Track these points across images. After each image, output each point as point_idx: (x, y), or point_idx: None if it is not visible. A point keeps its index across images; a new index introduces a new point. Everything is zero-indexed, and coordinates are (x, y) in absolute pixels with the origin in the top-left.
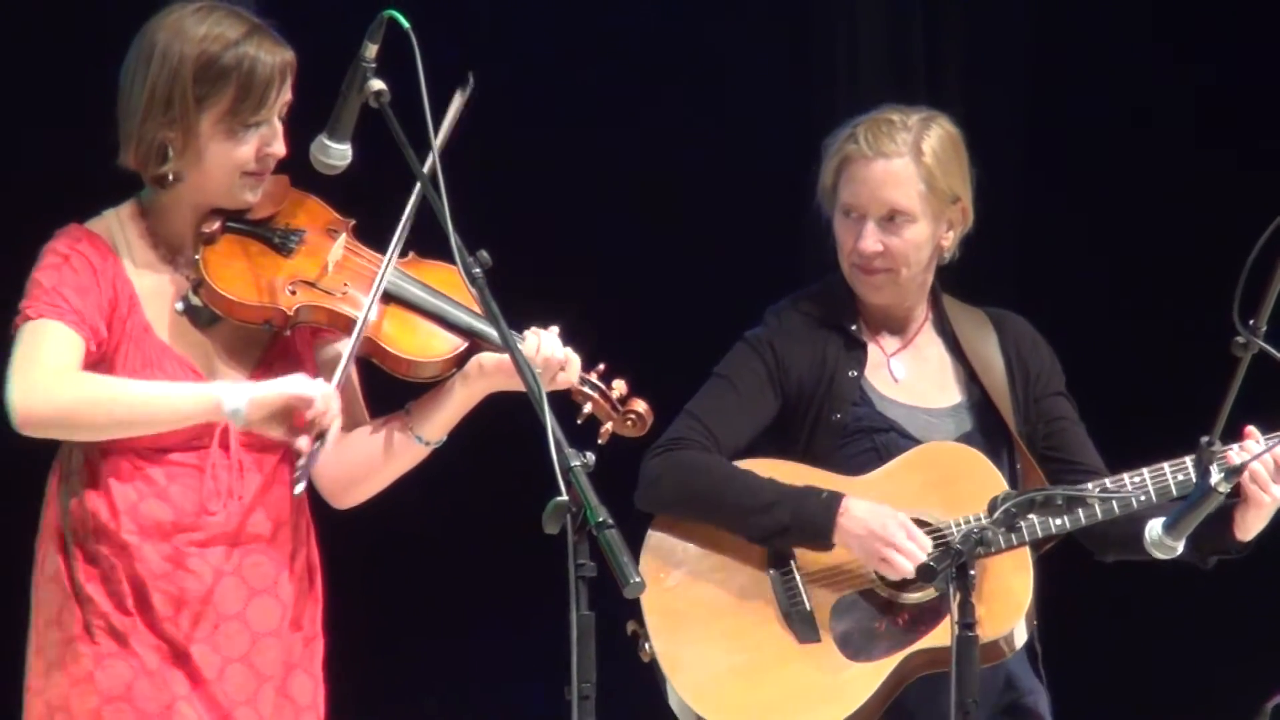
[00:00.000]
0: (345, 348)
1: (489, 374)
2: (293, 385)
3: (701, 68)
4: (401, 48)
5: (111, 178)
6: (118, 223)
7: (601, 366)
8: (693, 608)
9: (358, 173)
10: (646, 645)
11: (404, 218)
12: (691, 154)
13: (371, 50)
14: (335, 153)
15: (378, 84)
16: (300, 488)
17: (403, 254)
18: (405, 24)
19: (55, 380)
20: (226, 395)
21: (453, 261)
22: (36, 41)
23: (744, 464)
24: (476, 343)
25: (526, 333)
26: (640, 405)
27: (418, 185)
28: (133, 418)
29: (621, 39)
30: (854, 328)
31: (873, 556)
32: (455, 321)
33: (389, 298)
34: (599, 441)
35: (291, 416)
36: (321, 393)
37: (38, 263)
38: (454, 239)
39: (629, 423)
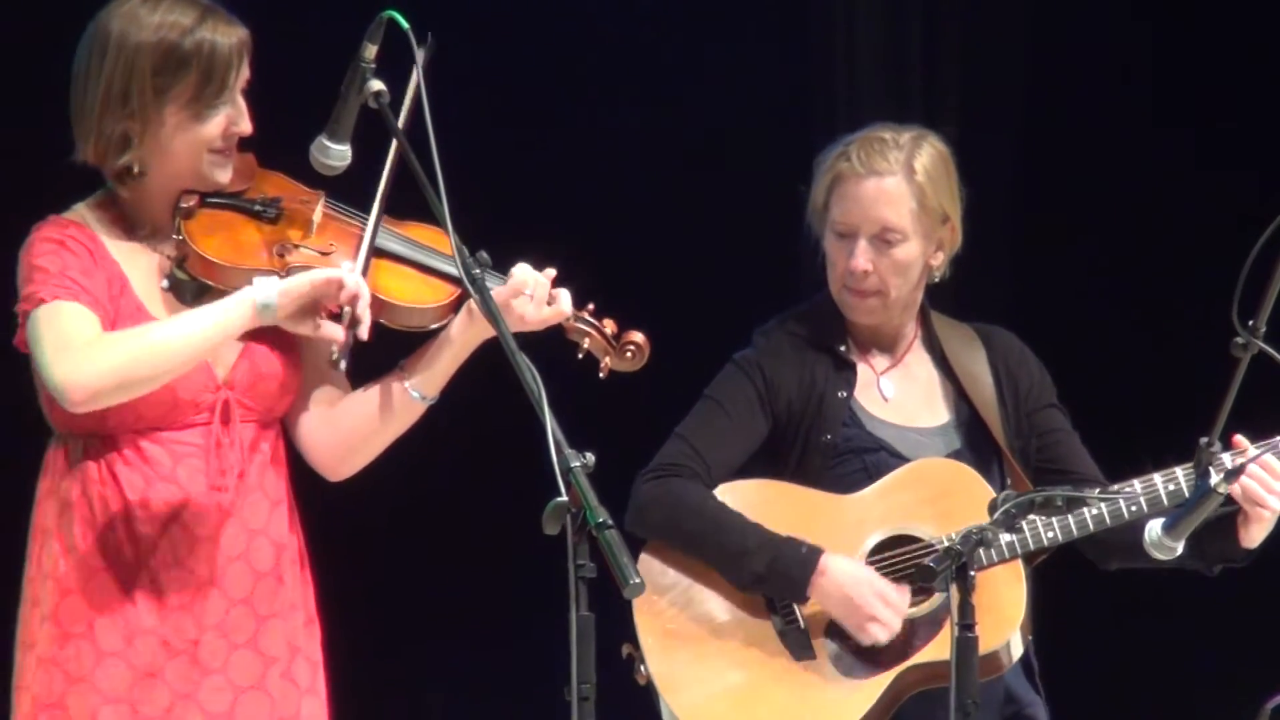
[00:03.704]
0: (364, 237)
1: (482, 319)
2: (321, 271)
3: (700, 73)
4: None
5: (76, 174)
6: (89, 213)
7: (591, 305)
8: (688, 629)
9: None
10: (642, 667)
11: (384, 175)
12: (688, 162)
13: (371, 51)
14: (335, 153)
15: (377, 84)
16: (344, 363)
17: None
18: (405, 24)
19: (95, 350)
20: (255, 294)
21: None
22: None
23: (735, 485)
24: (468, 290)
25: (513, 269)
26: (637, 336)
27: (392, 148)
28: (184, 354)
29: (619, 43)
30: (842, 348)
31: (849, 622)
32: (445, 271)
33: (379, 251)
34: (600, 376)
35: (320, 309)
36: (351, 273)
37: (29, 252)
38: (453, 238)
39: (628, 354)
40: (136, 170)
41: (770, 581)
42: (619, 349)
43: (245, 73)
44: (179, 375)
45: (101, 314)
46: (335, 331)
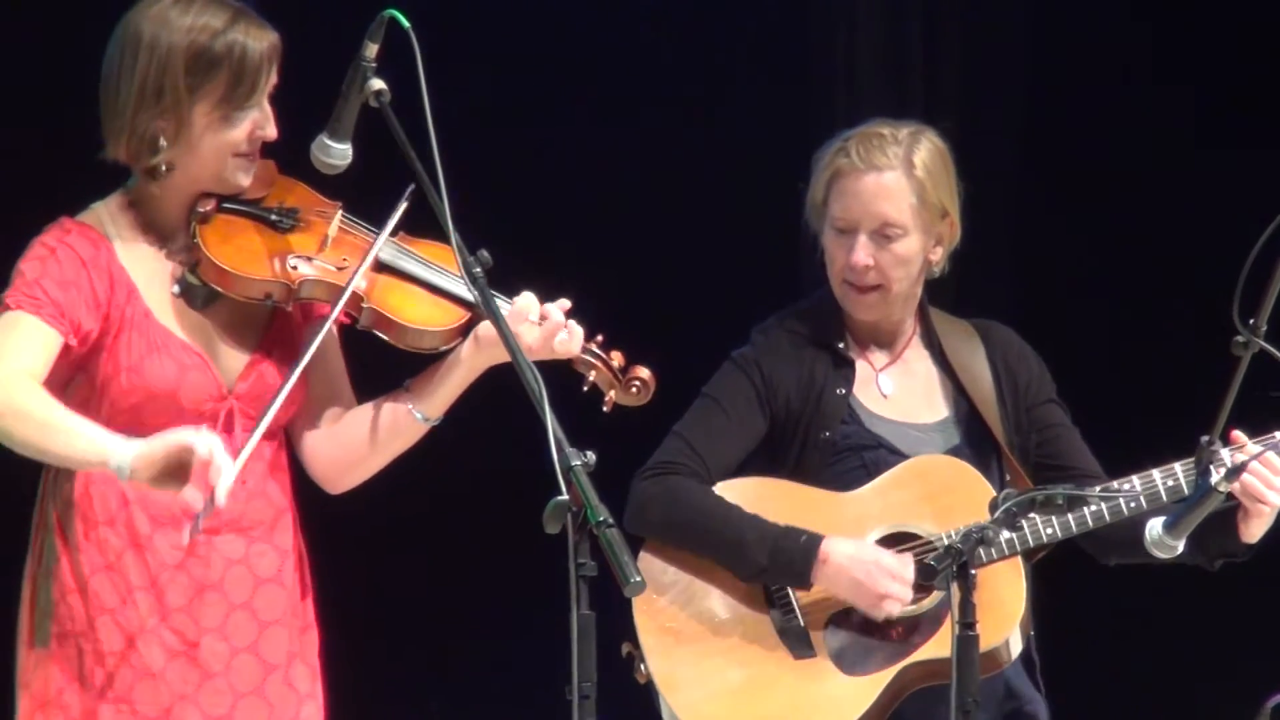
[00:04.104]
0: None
1: (491, 346)
2: (177, 437)
3: (700, 73)
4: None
5: (98, 172)
6: (107, 214)
7: (600, 337)
8: (687, 627)
9: (353, 168)
10: (642, 666)
11: (401, 201)
12: (688, 161)
13: (372, 50)
14: (336, 152)
15: (378, 83)
16: (186, 538)
17: (393, 233)
18: (405, 24)
19: (5, 381)
20: (114, 451)
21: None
22: (11, 36)
23: (734, 483)
24: (478, 314)
25: (522, 294)
26: (643, 372)
27: (411, 187)
28: (37, 444)
29: (619, 44)
30: (841, 345)
31: (863, 604)
32: (457, 293)
33: (391, 270)
34: (604, 409)
35: (183, 471)
36: (207, 444)
37: (25, 254)
38: (454, 238)
39: (633, 389)
40: (165, 170)
41: (772, 572)
42: (625, 383)
43: (273, 78)
44: (27, 455)
45: (65, 327)
46: (194, 500)
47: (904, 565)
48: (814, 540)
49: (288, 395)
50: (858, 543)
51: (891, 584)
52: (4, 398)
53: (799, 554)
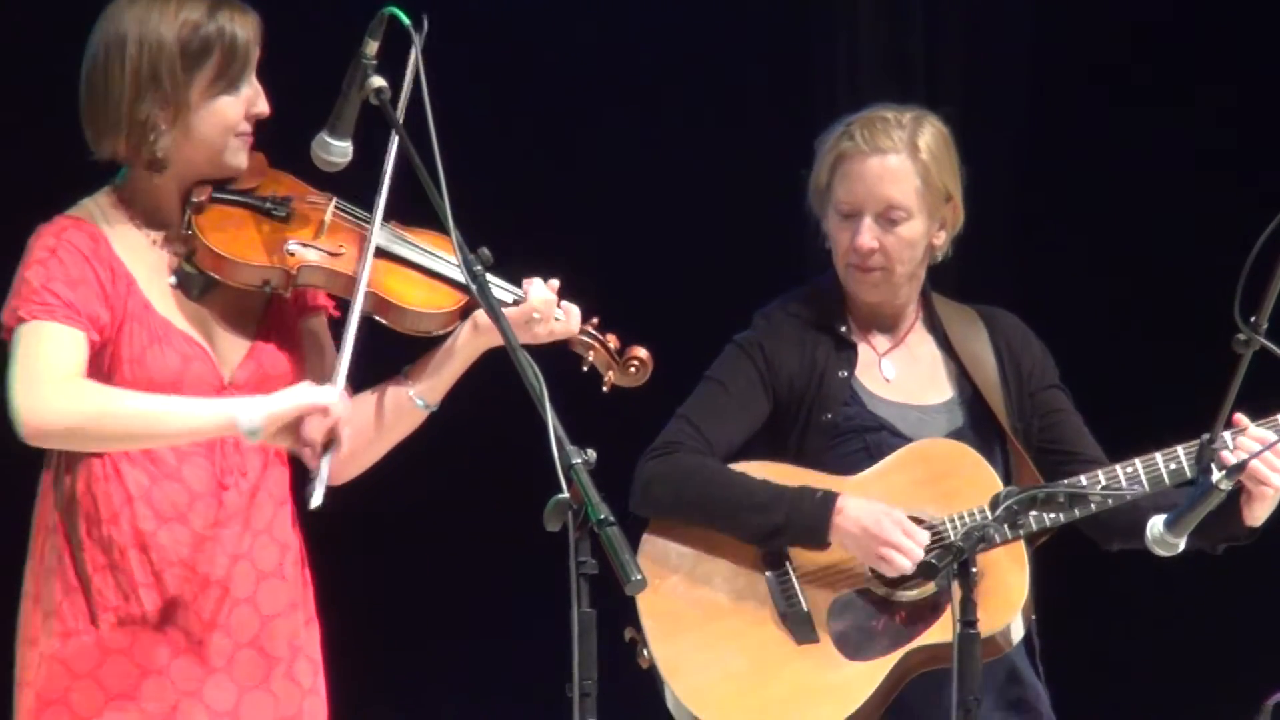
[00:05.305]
0: (350, 322)
1: (489, 332)
2: (306, 395)
3: (701, 67)
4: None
5: (84, 172)
6: (98, 208)
7: (596, 319)
8: (690, 612)
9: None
10: (645, 651)
11: (384, 178)
12: (691, 154)
13: (372, 47)
14: (336, 150)
15: (378, 81)
16: (318, 499)
17: (386, 220)
18: (405, 21)
19: (62, 392)
20: (242, 412)
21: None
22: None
23: (737, 466)
24: (468, 285)
25: (527, 289)
26: (641, 351)
27: (393, 146)
28: (146, 431)
29: (622, 37)
30: (843, 328)
31: (870, 555)
32: (453, 278)
33: (388, 255)
34: (603, 389)
35: (299, 426)
36: (334, 399)
37: (24, 259)
38: (455, 235)
39: (632, 369)
40: (163, 159)
41: (789, 531)
42: (623, 364)
43: (258, 52)
44: (130, 449)
45: (85, 325)
46: (311, 459)
47: (919, 528)
48: (830, 495)
49: (288, 385)
50: (873, 501)
51: (901, 537)
52: (82, 404)
53: (816, 509)
